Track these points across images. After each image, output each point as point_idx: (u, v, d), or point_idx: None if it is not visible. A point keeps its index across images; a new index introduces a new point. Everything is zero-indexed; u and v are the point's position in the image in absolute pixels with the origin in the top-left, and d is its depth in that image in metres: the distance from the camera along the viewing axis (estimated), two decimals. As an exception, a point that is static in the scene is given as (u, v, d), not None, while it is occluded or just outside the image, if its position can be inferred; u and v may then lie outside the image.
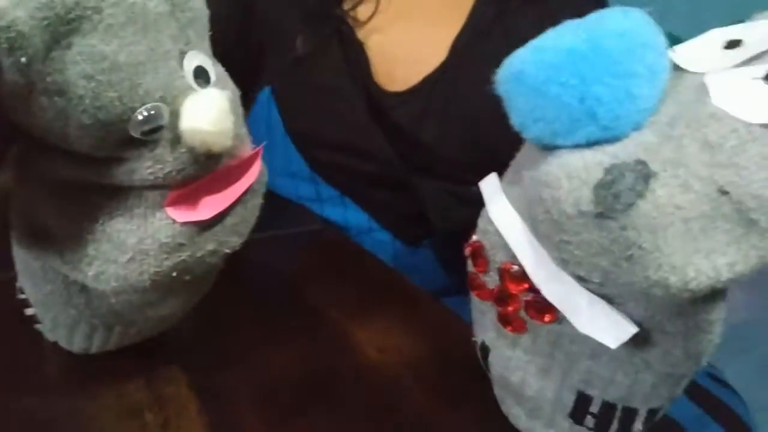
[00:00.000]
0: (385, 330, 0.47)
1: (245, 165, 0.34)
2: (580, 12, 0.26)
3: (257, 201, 0.36)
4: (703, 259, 0.23)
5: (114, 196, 0.32)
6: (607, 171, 0.24)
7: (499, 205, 0.30)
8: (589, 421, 0.32)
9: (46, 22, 0.25)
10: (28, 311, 0.41)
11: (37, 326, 0.41)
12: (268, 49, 0.68)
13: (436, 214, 0.67)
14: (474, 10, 0.67)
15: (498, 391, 0.37)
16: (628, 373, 0.29)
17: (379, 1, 0.68)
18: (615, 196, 0.23)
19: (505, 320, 0.32)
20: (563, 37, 0.24)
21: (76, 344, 0.40)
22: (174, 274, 0.33)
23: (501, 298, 0.31)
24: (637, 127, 0.25)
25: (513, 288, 0.30)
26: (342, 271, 0.56)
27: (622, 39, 0.24)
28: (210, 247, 0.34)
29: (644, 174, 0.23)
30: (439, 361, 0.44)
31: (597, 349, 0.29)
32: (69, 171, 0.31)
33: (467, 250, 0.33)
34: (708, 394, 0.58)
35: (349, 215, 0.71)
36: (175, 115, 0.29)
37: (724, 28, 0.26)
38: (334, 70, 0.65)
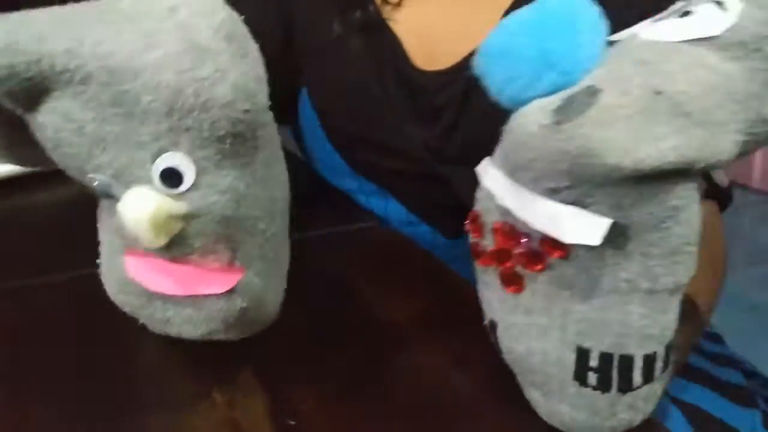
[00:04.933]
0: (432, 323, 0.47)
1: (209, 277, 0.34)
2: None
3: (223, 312, 0.36)
4: (650, 145, 0.28)
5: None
6: (563, 98, 0.30)
7: (488, 172, 0.35)
8: (592, 378, 0.34)
9: (31, 74, 0.28)
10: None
11: None
12: (305, 48, 0.65)
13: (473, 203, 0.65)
14: None
15: (518, 377, 0.38)
16: (617, 305, 0.32)
17: None
18: (570, 106, 0.29)
19: (506, 280, 0.35)
20: (519, 14, 0.31)
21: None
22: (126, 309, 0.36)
23: (499, 256, 0.35)
24: (588, 71, 0.31)
25: (506, 243, 0.35)
26: (392, 268, 0.56)
27: (563, 5, 0.31)
28: (156, 315, 0.35)
29: (592, 91, 0.29)
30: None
31: (587, 290, 0.33)
32: None
33: (467, 222, 0.37)
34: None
35: (390, 208, 0.69)
36: None
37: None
38: (358, 64, 0.62)
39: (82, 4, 0.30)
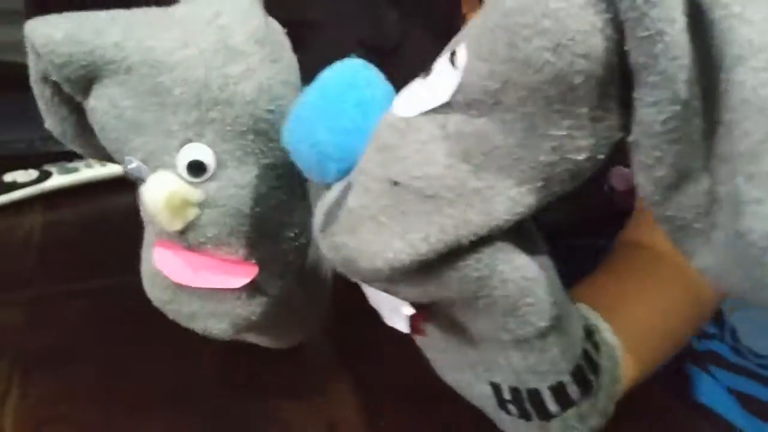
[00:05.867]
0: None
1: (225, 265, 0.35)
2: None
3: (242, 306, 0.36)
4: (399, 240, 0.26)
5: None
6: (334, 196, 0.28)
7: None
8: (512, 409, 0.33)
9: (84, 62, 0.31)
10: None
11: None
12: None
13: None
14: None
15: None
16: (496, 350, 0.31)
17: None
18: (330, 210, 0.28)
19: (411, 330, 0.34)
20: (299, 101, 0.29)
21: None
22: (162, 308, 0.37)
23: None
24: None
25: None
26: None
27: (333, 83, 0.29)
28: (183, 308, 0.36)
29: (347, 189, 0.28)
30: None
31: (467, 338, 0.32)
32: None
33: None
34: None
35: None
36: None
37: None
38: None
39: (139, 9, 0.33)
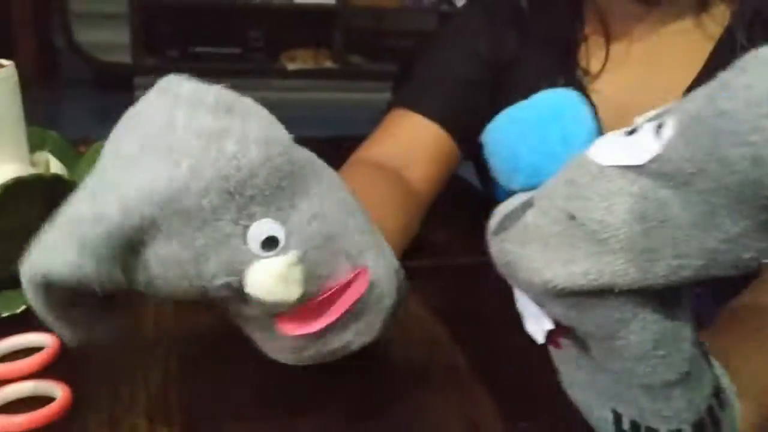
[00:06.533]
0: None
1: (344, 287, 0.36)
2: None
3: (375, 306, 0.37)
4: (560, 267, 0.28)
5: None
6: (514, 205, 0.32)
7: None
8: None
9: (115, 245, 0.31)
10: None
11: None
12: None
13: None
14: (711, 57, 0.64)
15: None
16: (625, 387, 0.32)
17: (608, 50, 0.66)
18: (508, 218, 0.31)
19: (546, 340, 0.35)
20: (514, 107, 0.33)
21: None
22: (310, 361, 0.38)
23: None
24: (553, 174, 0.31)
25: None
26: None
27: (550, 109, 0.32)
28: (334, 345, 0.37)
29: (528, 205, 0.31)
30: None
31: (597, 364, 0.33)
32: None
33: None
34: None
35: None
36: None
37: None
38: None
39: (109, 156, 0.33)
